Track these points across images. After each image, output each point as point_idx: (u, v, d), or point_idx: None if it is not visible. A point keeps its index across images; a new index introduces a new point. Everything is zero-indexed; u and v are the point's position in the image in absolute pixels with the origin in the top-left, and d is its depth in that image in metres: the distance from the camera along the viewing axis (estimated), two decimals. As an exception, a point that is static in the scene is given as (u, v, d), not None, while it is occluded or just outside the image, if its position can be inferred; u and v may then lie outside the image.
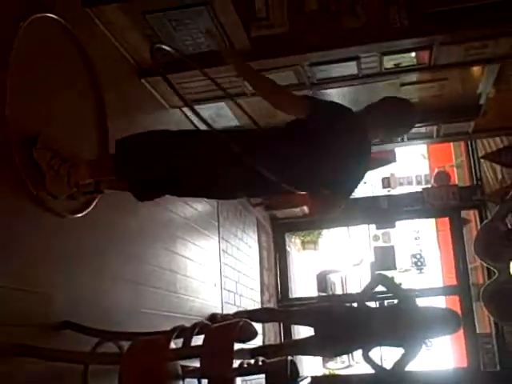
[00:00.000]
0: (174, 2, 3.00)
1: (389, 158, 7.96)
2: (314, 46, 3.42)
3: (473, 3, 3.26)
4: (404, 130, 2.72)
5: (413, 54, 3.73)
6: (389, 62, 3.71)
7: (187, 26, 3.14)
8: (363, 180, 2.73)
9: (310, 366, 9.86)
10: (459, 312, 6.62)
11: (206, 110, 4.23)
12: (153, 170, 2.54)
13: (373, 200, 8.10)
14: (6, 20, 2.34)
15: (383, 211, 7.52)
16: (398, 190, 9.69)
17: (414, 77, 4.01)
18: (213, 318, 4.59)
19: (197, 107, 4.13)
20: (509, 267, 5.93)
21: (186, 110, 4.21)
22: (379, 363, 4.54)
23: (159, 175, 2.57)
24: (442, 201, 7.30)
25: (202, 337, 2.11)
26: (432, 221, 12.01)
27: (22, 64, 2.37)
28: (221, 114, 4.29)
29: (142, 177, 2.60)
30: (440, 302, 10.74)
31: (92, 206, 2.78)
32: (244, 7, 3.19)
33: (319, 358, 11.86)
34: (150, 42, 3.23)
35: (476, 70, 4.07)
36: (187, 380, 2.22)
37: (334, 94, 4.09)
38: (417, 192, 8.03)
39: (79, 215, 2.70)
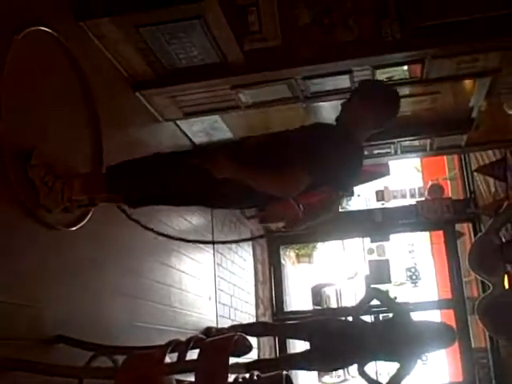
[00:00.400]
0: (167, 16, 3.02)
1: (382, 172, 7.98)
2: (307, 59, 3.44)
3: (464, 17, 3.30)
4: (389, 108, 2.55)
5: (405, 68, 3.76)
6: (381, 76, 3.73)
7: (181, 39, 3.15)
8: (357, 188, 2.72)
9: (305, 380, 9.80)
10: (454, 326, 6.61)
11: (201, 124, 4.25)
12: (145, 189, 2.55)
13: (367, 213, 8.11)
14: (-1, 33, 2.34)
15: (377, 224, 7.52)
16: (391, 203, 9.69)
17: (406, 90, 4.04)
18: (208, 331, 4.56)
19: (191, 120, 4.17)
20: (503, 281, 5.92)
21: (179, 123, 4.22)
22: (375, 378, 4.51)
23: (152, 193, 2.58)
24: (436, 214, 7.32)
25: (197, 351, 2.09)
26: (426, 234, 12.02)
27: (16, 78, 2.37)
28: (215, 127, 4.30)
29: (135, 194, 2.60)
30: (435, 316, 10.72)
31: (87, 219, 2.77)
32: (237, 21, 3.21)
33: (315, 373, 11.78)
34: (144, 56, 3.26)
35: (468, 83, 4.10)
36: (182, 394, 2.21)
37: (328, 107, 4.12)
38: (410, 205, 8.05)
39: (74, 228, 2.69)
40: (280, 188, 2.34)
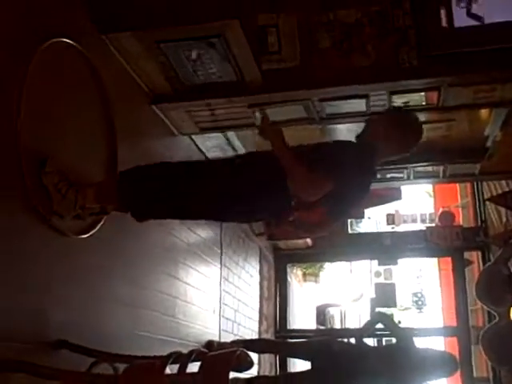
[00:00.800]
0: (188, 33, 3.06)
1: (394, 195, 7.97)
2: (324, 81, 3.46)
3: (481, 47, 3.31)
4: (409, 139, 2.61)
5: (422, 94, 3.76)
6: (398, 100, 3.74)
7: (200, 56, 3.20)
8: (362, 209, 2.74)
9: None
10: (457, 354, 6.55)
11: (215, 139, 4.29)
12: (157, 202, 2.57)
13: (376, 236, 8.10)
14: (24, 43, 2.40)
15: (386, 247, 7.51)
16: (401, 227, 9.65)
17: (422, 116, 4.01)
18: (209, 345, 4.57)
19: (206, 136, 4.21)
20: (509, 312, 5.88)
21: (195, 137, 4.27)
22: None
23: (164, 206, 2.60)
24: (446, 241, 7.30)
25: (198, 364, 2.11)
26: (434, 259, 11.96)
27: (38, 86, 2.42)
28: (230, 144, 4.34)
29: (146, 205, 2.61)
30: (439, 343, 10.64)
31: (98, 227, 2.81)
32: (256, 40, 3.25)
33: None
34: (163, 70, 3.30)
35: (484, 112, 4.10)
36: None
37: (342, 129, 4.14)
38: (420, 230, 8.04)
39: (85, 236, 2.72)
40: (307, 185, 2.33)
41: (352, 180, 2.41)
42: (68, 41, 2.68)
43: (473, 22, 3.37)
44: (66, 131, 2.66)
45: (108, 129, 3.00)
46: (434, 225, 8.64)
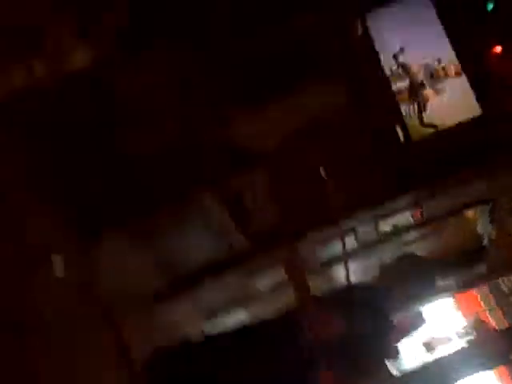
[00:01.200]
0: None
1: (417, 322, 7.70)
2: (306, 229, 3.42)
3: (442, 154, 3.39)
4: None
5: (407, 214, 3.77)
6: (385, 226, 3.76)
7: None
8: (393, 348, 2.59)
9: None
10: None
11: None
12: None
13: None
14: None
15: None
16: (441, 350, 9.12)
17: (413, 234, 4.02)
18: None
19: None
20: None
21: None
22: None
23: None
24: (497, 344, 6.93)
25: None
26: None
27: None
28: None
29: None
30: None
31: None
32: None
33: None
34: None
35: (470, 214, 4.12)
36: None
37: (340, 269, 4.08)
38: (467, 347, 7.65)
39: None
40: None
41: (362, 327, 2.37)
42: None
43: (429, 130, 3.44)
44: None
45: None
46: (472, 337, 8.23)
